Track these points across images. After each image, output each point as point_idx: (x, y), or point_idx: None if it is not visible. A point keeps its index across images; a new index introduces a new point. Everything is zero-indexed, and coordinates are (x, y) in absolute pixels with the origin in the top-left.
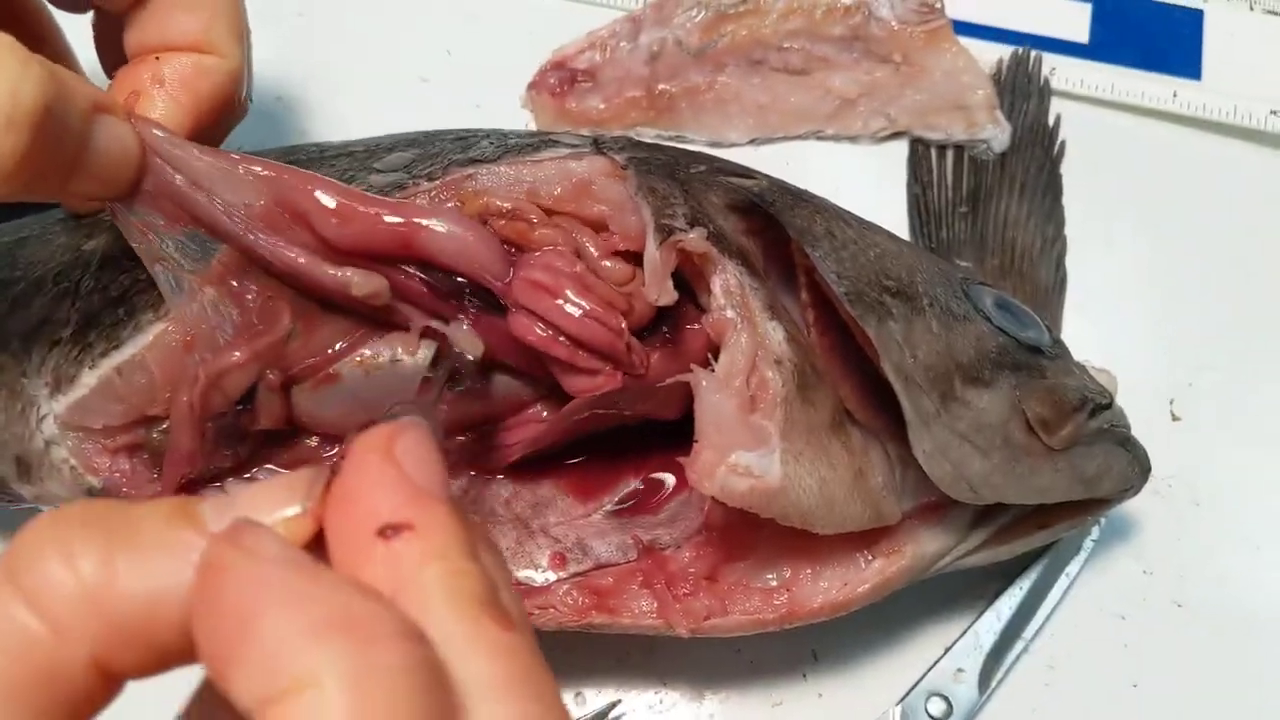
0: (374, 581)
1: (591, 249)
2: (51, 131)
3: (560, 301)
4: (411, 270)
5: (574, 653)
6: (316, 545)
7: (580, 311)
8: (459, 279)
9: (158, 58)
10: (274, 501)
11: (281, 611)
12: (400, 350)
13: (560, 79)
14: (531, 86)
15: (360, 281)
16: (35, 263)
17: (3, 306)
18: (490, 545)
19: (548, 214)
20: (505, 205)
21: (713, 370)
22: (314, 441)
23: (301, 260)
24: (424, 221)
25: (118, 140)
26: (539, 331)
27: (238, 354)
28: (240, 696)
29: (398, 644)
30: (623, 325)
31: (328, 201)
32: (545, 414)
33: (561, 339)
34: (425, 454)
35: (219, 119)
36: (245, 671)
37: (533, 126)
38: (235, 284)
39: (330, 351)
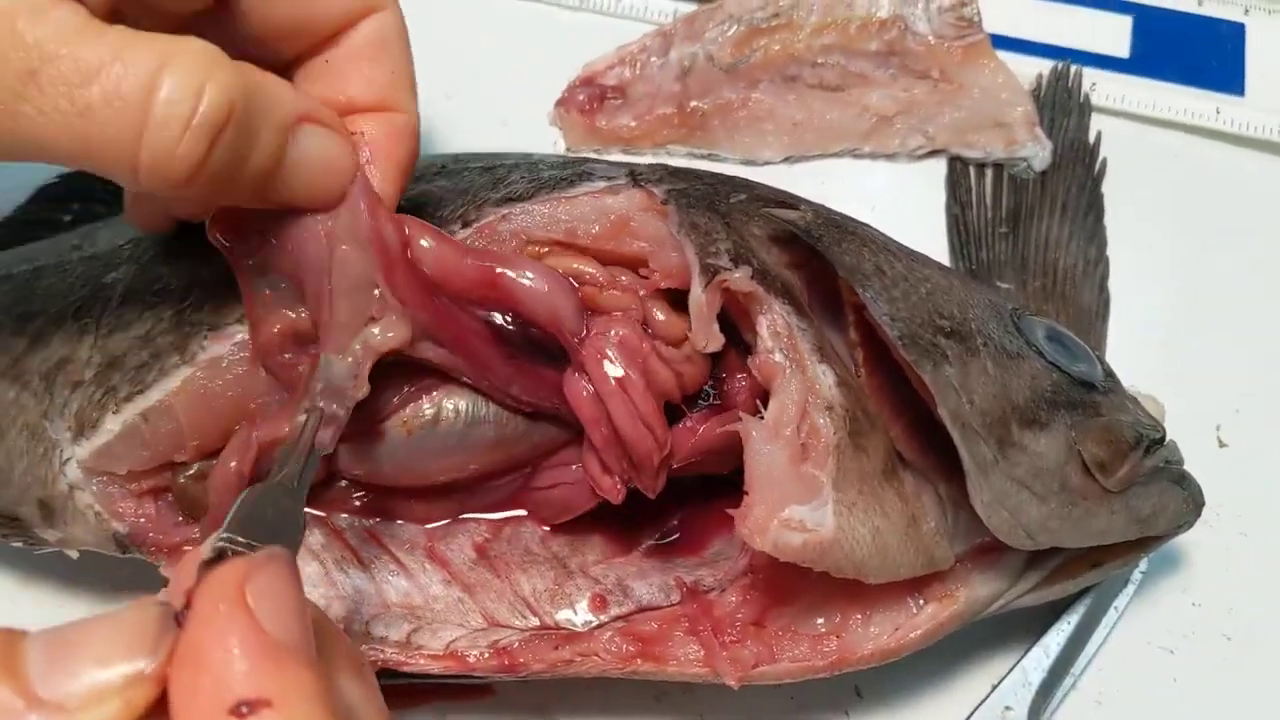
0: None
1: (658, 314)
2: (235, 141)
3: (622, 390)
4: (478, 313)
5: (611, 689)
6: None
7: (636, 413)
8: (522, 328)
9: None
10: (114, 651)
11: None
12: (442, 409)
13: (589, 95)
14: (560, 103)
15: (378, 342)
16: (54, 295)
17: (21, 343)
18: (357, 669)
19: (592, 255)
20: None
21: (761, 417)
22: (344, 484)
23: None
24: (513, 272)
25: (323, 153)
26: (589, 407)
27: (288, 428)
28: None
29: None
30: (668, 440)
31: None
32: (576, 466)
33: (604, 428)
34: (282, 594)
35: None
36: None
37: (561, 144)
38: (288, 356)
39: (375, 416)
